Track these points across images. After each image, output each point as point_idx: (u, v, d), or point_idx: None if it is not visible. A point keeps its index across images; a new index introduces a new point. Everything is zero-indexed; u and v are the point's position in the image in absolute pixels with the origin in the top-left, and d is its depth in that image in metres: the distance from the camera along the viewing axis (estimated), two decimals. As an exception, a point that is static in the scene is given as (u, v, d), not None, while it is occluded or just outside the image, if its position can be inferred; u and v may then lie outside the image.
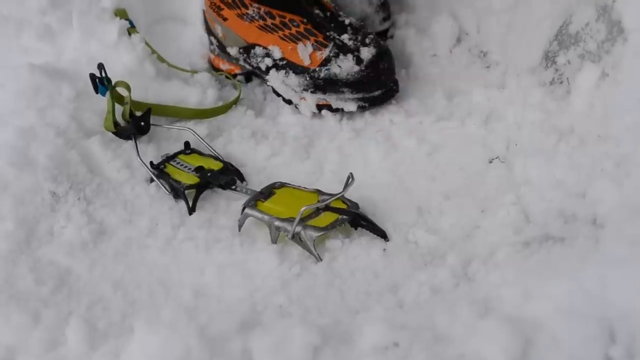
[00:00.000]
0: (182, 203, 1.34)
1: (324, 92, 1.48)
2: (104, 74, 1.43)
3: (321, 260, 1.23)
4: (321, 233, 1.23)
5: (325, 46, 1.49)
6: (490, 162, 1.38)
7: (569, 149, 1.24)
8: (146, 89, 1.53)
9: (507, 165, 1.35)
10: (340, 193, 1.26)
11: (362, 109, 1.49)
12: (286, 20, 1.52)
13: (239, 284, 1.21)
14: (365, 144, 1.45)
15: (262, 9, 1.54)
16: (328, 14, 1.54)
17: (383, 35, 1.67)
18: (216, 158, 1.43)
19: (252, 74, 1.64)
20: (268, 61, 1.54)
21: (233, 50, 1.60)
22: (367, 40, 1.49)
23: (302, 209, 1.22)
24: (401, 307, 1.14)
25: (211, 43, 1.67)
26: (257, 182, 1.39)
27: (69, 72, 1.51)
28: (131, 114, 1.45)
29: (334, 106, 1.50)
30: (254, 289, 1.20)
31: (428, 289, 1.15)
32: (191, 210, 1.33)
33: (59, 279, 1.21)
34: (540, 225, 1.19)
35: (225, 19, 1.59)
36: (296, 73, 1.50)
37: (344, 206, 1.28)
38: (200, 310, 1.16)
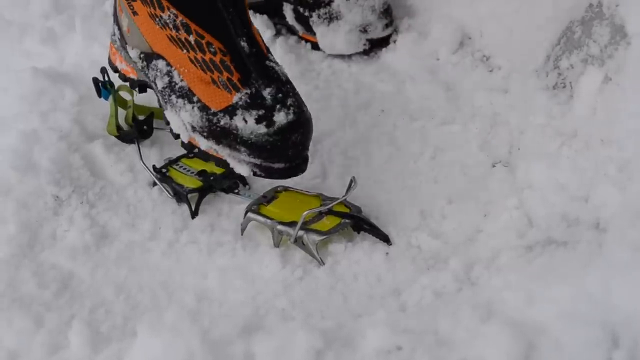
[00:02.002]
0: (185, 207, 1.34)
1: (218, 143, 1.22)
2: (106, 78, 1.43)
3: (324, 264, 1.23)
4: (323, 237, 1.23)
5: (238, 90, 1.21)
6: (493, 166, 1.38)
7: (572, 153, 1.24)
8: (148, 92, 1.52)
9: (509, 169, 1.35)
10: (342, 197, 1.26)
11: (256, 175, 1.26)
12: (203, 42, 1.22)
13: (242, 288, 1.21)
14: (368, 148, 1.45)
15: (180, 18, 1.23)
16: (255, 50, 1.24)
17: (385, 41, 1.67)
18: None
19: (147, 86, 1.37)
20: (166, 80, 1.27)
21: (133, 52, 1.33)
22: (289, 102, 1.21)
23: (305, 213, 1.22)
24: (404, 311, 1.14)
25: (114, 32, 1.38)
26: (259, 186, 1.39)
27: (71, 76, 1.51)
28: (134, 118, 1.45)
29: (228, 163, 1.26)
30: (256, 292, 1.20)
31: (431, 293, 1.15)
32: (194, 214, 1.33)
33: (61, 282, 1.21)
34: (543, 229, 1.19)
35: (135, 13, 1.29)
36: (193, 108, 1.23)
37: (346, 210, 1.28)
38: (202, 314, 1.16)
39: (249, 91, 1.21)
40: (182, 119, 1.25)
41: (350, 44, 1.64)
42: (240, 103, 1.20)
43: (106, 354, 1.05)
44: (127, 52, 1.33)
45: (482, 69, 1.58)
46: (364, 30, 1.64)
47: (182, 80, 1.25)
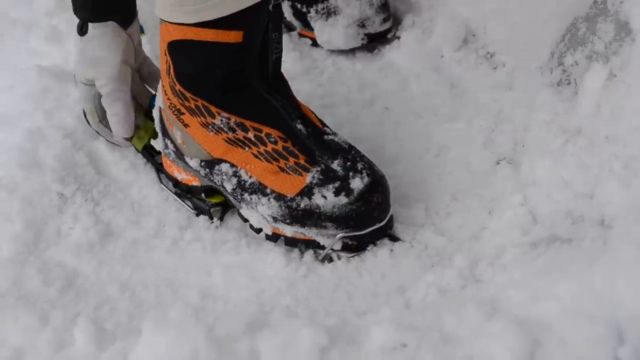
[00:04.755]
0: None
1: (303, 226, 1.22)
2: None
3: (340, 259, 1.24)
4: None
5: (308, 170, 1.20)
6: (498, 163, 1.38)
7: (576, 150, 1.24)
8: (153, 90, 1.53)
9: (514, 166, 1.35)
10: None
11: (347, 247, 1.24)
12: (262, 135, 1.22)
13: (246, 285, 1.21)
14: (372, 145, 1.45)
15: (233, 119, 1.23)
16: (310, 129, 1.25)
17: (383, 36, 1.67)
18: None
19: (215, 191, 1.31)
20: (234, 181, 1.25)
21: (193, 162, 1.29)
22: (359, 166, 1.21)
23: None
24: (408, 308, 1.14)
25: (166, 146, 1.33)
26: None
27: (76, 74, 1.51)
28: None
29: (318, 242, 1.25)
30: (260, 290, 1.20)
31: (435, 290, 1.15)
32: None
33: (66, 280, 1.21)
34: (547, 226, 1.19)
35: (186, 125, 1.27)
36: (269, 200, 1.23)
37: None
38: (207, 311, 1.16)
39: (318, 168, 1.20)
40: (260, 213, 1.23)
41: (348, 38, 1.64)
42: (314, 182, 1.20)
43: (111, 351, 1.06)
44: (185, 163, 1.31)
45: (486, 66, 1.58)
46: (362, 25, 1.64)
47: (250, 177, 1.23)
